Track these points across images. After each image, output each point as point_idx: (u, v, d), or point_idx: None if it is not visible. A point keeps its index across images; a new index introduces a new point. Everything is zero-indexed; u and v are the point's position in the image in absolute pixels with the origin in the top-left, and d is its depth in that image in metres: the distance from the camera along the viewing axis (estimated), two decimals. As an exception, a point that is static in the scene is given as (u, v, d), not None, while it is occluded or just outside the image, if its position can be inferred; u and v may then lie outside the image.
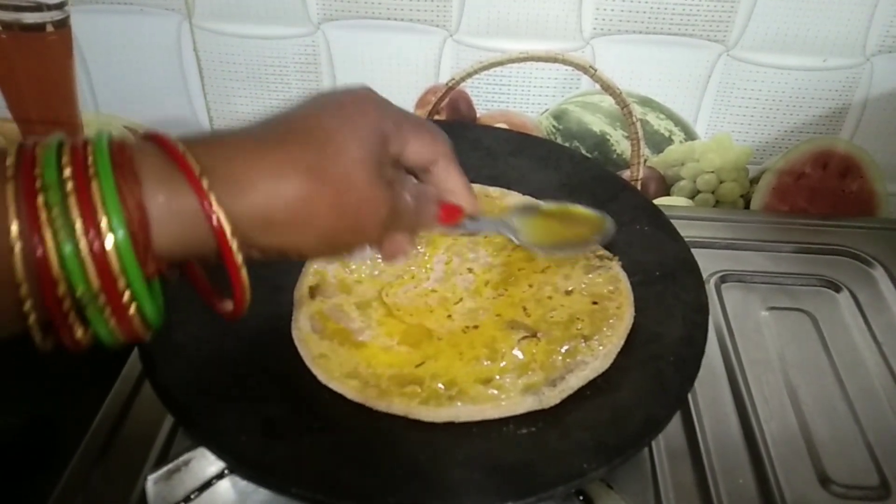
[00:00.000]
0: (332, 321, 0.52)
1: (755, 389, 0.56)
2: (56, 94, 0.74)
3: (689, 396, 0.55)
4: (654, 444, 0.52)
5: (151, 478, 0.45)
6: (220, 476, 0.47)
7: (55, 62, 0.72)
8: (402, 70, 0.71)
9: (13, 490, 0.58)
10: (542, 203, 0.56)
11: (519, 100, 0.73)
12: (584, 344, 0.50)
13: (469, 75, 0.71)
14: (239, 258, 0.32)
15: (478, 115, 0.74)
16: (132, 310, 0.30)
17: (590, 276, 0.56)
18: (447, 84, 0.72)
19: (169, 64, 0.72)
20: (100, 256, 0.28)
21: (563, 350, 0.50)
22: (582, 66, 0.70)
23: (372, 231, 0.37)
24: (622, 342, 0.50)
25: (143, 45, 0.71)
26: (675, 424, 0.53)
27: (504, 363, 0.49)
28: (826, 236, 0.72)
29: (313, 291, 0.54)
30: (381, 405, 0.46)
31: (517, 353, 0.50)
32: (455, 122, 0.74)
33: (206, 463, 0.47)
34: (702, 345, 0.49)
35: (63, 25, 0.70)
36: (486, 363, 0.49)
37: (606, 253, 0.58)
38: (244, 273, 0.33)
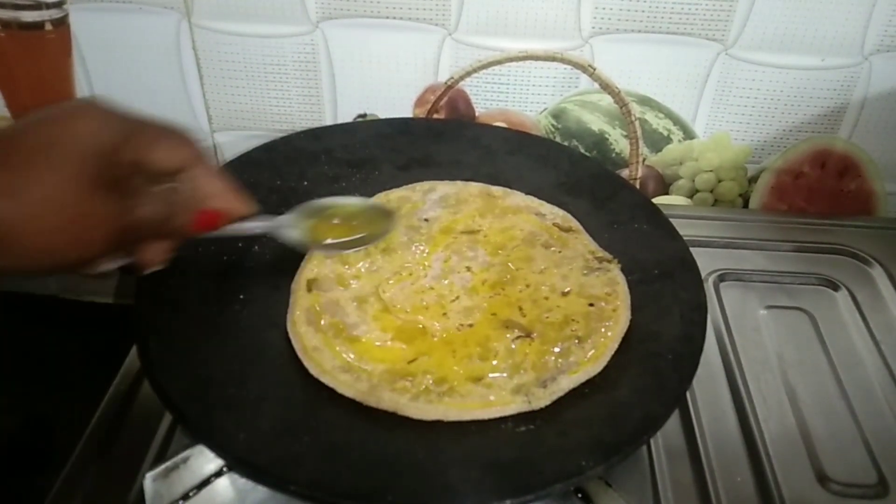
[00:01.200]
0: (328, 315, 0.52)
1: (753, 388, 0.56)
2: (54, 93, 0.74)
3: (688, 395, 0.55)
4: (652, 442, 0.52)
5: (150, 475, 0.45)
6: (218, 474, 0.47)
7: (54, 60, 0.72)
8: (400, 69, 0.71)
9: (12, 488, 0.58)
10: (333, 201, 0.56)
11: (518, 98, 0.73)
12: (577, 346, 0.50)
13: (468, 74, 0.71)
14: None
15: (477, 114, 0.74)
16: None
17: (588, 277, 0.56)
18: (446, 83, 0.72)
19: (168, 62, 0.72)
20: None
21: (555, 351, 0.50)
22: (581, 65, 0.70)
23: (99, 246, 0.37)
24: (616, 345, 0.50)
25: (141, 44, 0.71)
26: (674, 423, 0.53)
27: (496, 362, 0.49)
28: (824, 235, 0.72)
29: (311, 285, 0.55)
30: (371, 400, 0.46)
31: (509, 353, 0.50)
32: (454, 120, 0.74)
33: (205, 461, 0.46)
34: (700, 343, 0.49)
35: (62, 24, 0.70)
36: (478, 362, 0.49)
37: (606, 255, 0.57)
38: None
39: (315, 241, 0.52)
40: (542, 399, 0.47)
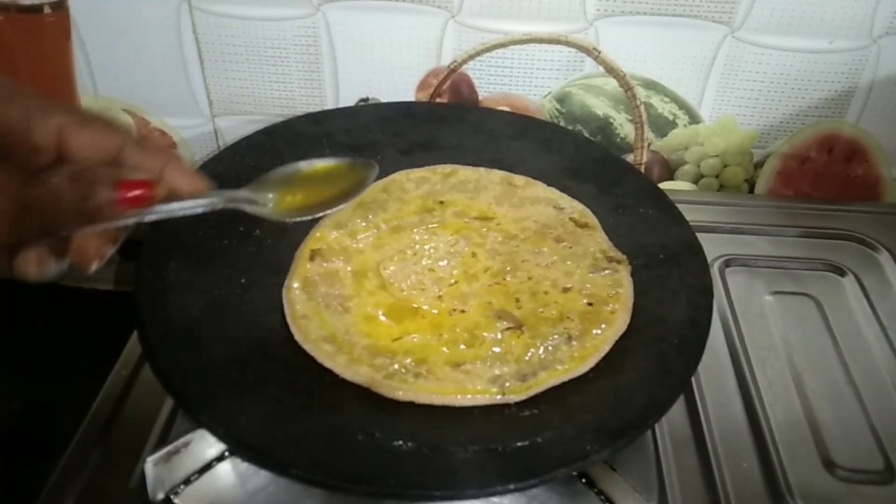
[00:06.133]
0: (324, 285, 0.52)
1: (759, 374, 0.56)
2: (54, 77, 0.74)
3: (693, 380, 0.55)
4: (657, 427, 0.51)
5: (151, 460, 0.45)
6: (220, 458, 0.47)
7: (53, 44, 0.71)
8: (403, 52, 0.70)
9: (14, 473, 0.58)
10: (300, 165, 0.46)
11: (521, 82, 0.72)
12: (566, 343, 0.49)
13: (471, 57, 0.70)
14: None
15: (480, 98, 0.73)
16: None
17: (593, 276, 0.55)
18: (449, 66, 0.71)
19: (168, 46, 0.71)
20: None
21: (542, 346, 0.49)
22: (585, 48, 0.69)
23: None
24: (608, 347, 0.50)
25: (142, 28, 0.70)
26: (679, 408, 0.53)
27: (480, 351, 0.49)
28: (831, 221, 0.71)
29: (314, 255, 0.55)
30: (348, 373, 0.47)
31: (495, 342, 0.49)
32: (457, 104, 0.73)
33: (206, 445, 0.46)
34: (706, 327, 0.49)
35: (61, 7, 0.69)
36: (462, 347, 0.49)
37: (618, 255, 0.57)
38: None
39: (283, 212, 0.44)
40: (519, 393, 0.46)
